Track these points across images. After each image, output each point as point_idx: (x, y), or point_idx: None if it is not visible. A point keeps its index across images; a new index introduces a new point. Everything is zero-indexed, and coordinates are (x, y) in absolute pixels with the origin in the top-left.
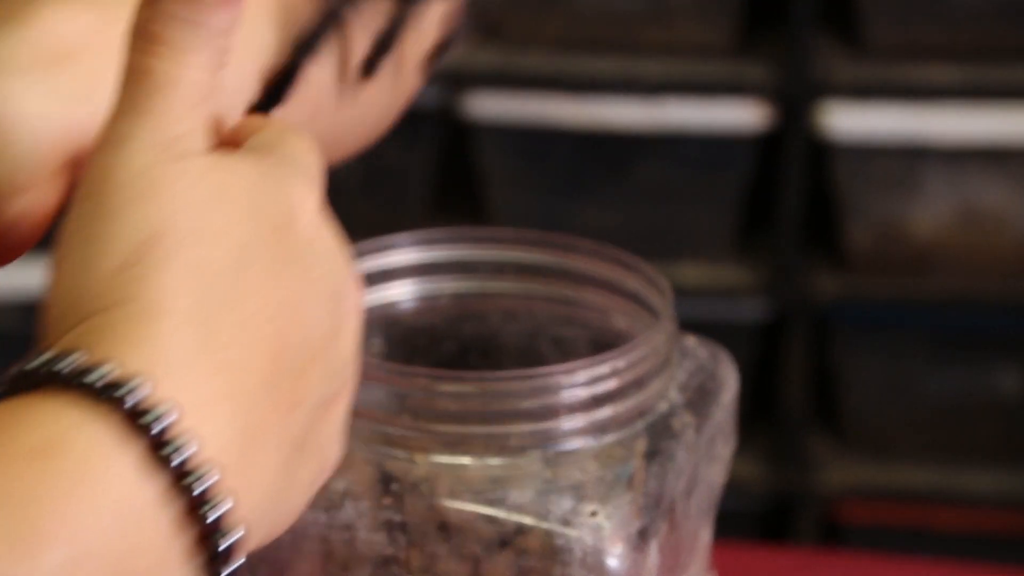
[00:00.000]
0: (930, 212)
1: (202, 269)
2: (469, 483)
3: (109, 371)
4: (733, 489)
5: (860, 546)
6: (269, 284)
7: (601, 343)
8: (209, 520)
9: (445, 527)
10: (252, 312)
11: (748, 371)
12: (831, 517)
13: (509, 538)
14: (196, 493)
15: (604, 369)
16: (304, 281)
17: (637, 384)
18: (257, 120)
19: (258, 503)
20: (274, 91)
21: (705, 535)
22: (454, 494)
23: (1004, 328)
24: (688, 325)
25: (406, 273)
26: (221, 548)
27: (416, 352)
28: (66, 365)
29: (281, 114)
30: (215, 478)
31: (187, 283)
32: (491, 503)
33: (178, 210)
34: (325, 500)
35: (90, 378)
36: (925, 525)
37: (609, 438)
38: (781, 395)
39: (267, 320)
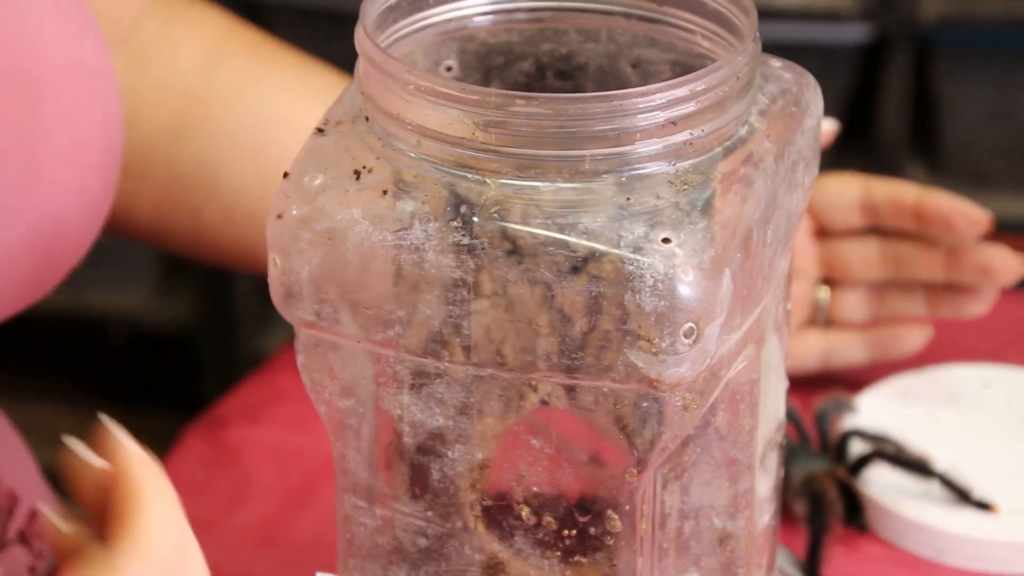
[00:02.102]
0: None
1: None
2: (541, 207)
3: None
4: None
5: None
6: None
7: (683, 65)
8: None
9: (515, 251)
10: None
11: (846, 96)
12: None
13: (580, 264)
14: None
15: (682, 92)
16: None
17: (716, 108)
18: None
19: None
20: None
21: (782, 264)
22: (525, 218)
23: None
24: (786, 47)
25: None
26: None
27: (491, 72)
28: None
29: None
30: None
31: None
32: (562, 228)
33: None
34: (394, 221)
35: None
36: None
37: (685, 163)
38: (878, 121)
39: None
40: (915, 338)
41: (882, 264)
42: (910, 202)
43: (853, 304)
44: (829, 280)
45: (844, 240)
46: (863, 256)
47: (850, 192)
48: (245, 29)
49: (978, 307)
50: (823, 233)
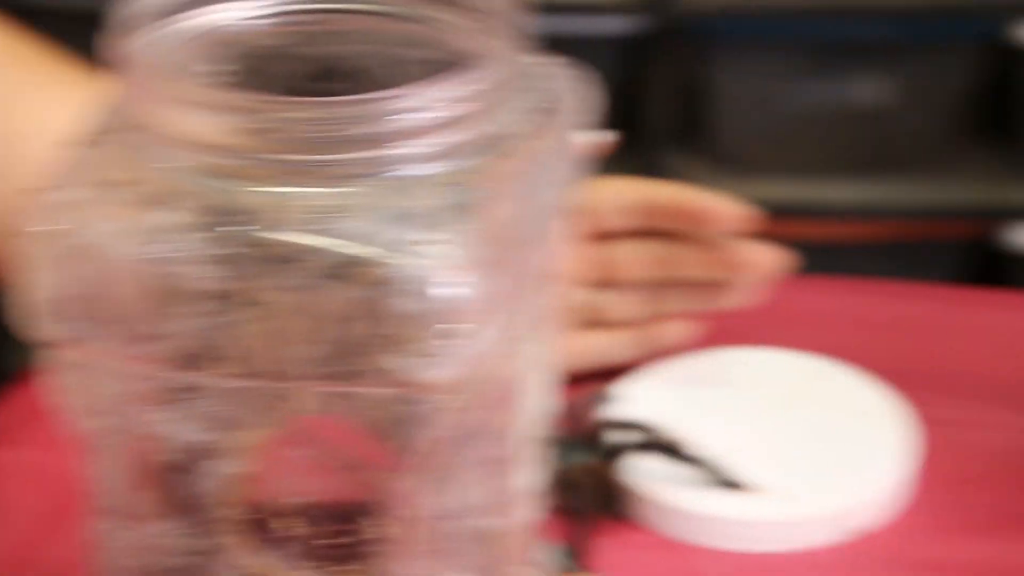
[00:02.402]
0: None
1: None
2: (304, 213)
3: None
4: None
5: None
6: None
7: (451, 65)
8: None
9: (277, 259)
10: None
11: (614, 88)
12: None
13: (343, 270)
14: None
15: (446, 92)
16: None
17: (481, 108)
18: None
19: None
20: None
21: (549, 264)
22: (288, 225)
23: (879, 38)
24: (555, 39)
25: None
26: None
27: (267, 76)
28: None
29: None
30: None
31: None
32: (325, 234)
33: None
34: (153, 234)
35: None
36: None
37: (447, 165)
38: (647, 113)
39: None
40: (681, 332)
41: (653, 265)
42: (677, 203)
43: (626, 304)
44: (603, 282)
45: (617, 243)
46: (635, 258)
47: (623, 196)
48: (19, 40)
49: (739, 300)
50: (597, 236)
